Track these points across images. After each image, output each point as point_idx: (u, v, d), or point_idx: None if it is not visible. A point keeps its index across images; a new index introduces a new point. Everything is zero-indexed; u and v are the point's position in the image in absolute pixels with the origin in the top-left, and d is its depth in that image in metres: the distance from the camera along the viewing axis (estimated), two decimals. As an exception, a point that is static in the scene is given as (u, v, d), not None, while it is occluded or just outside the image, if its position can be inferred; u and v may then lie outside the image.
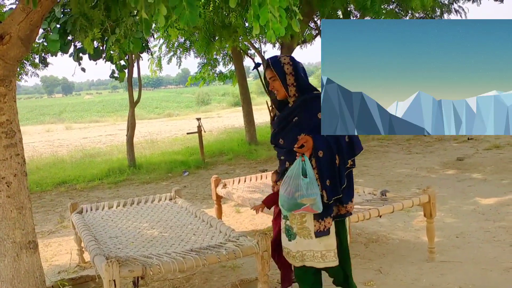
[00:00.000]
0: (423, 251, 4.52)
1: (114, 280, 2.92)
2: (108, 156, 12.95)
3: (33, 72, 11.12)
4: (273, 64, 3.15)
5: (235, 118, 23.91)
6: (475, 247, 4.60)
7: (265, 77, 3.33)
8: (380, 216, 4.32)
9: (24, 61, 10.00)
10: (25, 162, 3.30)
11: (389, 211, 4.12)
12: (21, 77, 10.85)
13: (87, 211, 4.88)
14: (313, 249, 3.09)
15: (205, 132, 10.97)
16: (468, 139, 11.05)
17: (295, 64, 3.17)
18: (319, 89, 2.84)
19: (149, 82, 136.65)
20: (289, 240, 3.15)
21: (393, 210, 4.11)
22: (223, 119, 25.84)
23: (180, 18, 2.28)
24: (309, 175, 2.92)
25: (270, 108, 12.25)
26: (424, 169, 8.47)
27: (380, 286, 3.91)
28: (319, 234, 3.05)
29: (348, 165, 3.14)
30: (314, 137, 3.00)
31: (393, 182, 7.62)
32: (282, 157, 3.26)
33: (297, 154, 2.99)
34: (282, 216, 3.24)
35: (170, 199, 5.21)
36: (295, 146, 3.00)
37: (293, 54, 12.32)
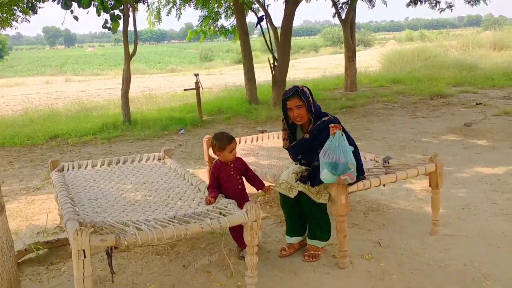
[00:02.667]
0: (426, 223, 4.22)
1: (84, 250, 2.62)
2: (104, 111, 12.60)
3: (23, 18, 10.61)
4: (302, 92, 3.58)
5: (237, 76, 23.31)
6: (482, 220, 4.31)
7: (284, 104, 3.68)
8: (384, 185, 4.04)
9: (14, 7, 9.52)
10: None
11: (392, 181, 3.79)
12: (10, 21, 10.35)
13: (68, 169, 4.56)
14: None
15: (202, 89, 10.56)
16: (477, 104, 10.64)
17: (312, 94, 3.65)
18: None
19: (152, 36, 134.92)
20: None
21: (396, 180, 3.78)
22: (225, 76, 25.28)
23: None
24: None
25: (272, 66, 11.78)
26: (430, 134, 8.11)
27: (379, 260, 3.63)
28: None
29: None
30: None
31: (396, 147, 7.28)
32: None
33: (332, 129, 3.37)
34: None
35: (159, 159, 4.89)
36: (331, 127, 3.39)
37: (298, 9, 11.76)
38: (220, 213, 3.18)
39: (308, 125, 3.65)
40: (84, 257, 2.63)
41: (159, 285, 3.31)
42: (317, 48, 63.32)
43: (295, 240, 3.84)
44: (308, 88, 3.67)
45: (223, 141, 3.67)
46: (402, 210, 4.69)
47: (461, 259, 3.56)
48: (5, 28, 10.91)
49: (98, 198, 3.73)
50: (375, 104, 11.37)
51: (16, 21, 10.59)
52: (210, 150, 5.17)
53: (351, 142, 3.52)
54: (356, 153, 3.48)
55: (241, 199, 3.50)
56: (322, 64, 27.50)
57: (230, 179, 3.70)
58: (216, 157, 3.83)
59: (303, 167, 3.80)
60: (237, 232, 3.57)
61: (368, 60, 23.70)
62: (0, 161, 7.71)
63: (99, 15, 9.62)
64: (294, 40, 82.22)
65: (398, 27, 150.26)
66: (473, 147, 7.02)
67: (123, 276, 3.45)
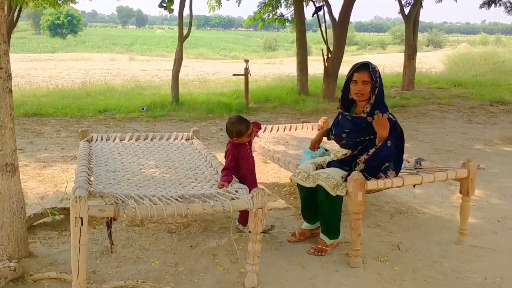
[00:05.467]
0: (454, 232, 3.96)
1: (82, 218, 2.64)
2: (156, 90, 12.84)
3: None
4: (373, 69, 3.41)
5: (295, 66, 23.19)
6: (516, 236, 4.00)
7: (351, 74, 3.48)
8: (414, 186, 3.85)
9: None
10: (10, 77, 3.02)
11: (416, 182, 3.58)
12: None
13: (96, 140, 4.65)
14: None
15: (251, 75, 10.49)
16: (540, 114, 9.97)
17: (381, 77, 3.45)
18: None
19: (220, 23, 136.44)
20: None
21: (421, 182, 3.57)
22: (284, 67, 25.14)
23: None
24: None
25: (326, 58, 11.54)
26: (482, 141, 7.67)
27: (394, 263, 3.45)
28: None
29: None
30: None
31: (442, 151, 6.93)
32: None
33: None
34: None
35: (187, 139, 4.89)
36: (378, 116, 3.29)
37: (357, 2, 11.43)
38: (230, 197, 3.13)
39: (364, 107, 3.46)
40: (82, 225, 2.65)
41: (162, 262, 3.30)
42: (384, 45, 61.82)
43: (306, 226, 3.79)
44: (378, 69, 3.50)
45: (240, 128, 3.64)
46: (432, 215, 4.44)
47: (482, 273, 3.32)
48: (68, 3, 11.31)
49: (116, 171, 3.77)
50: (429, 106, 10.89)
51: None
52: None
53: (399, 134, 3.45)
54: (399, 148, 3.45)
55: (253, 177, 3.77)
56: (386, 61, 26.74)
57: (248, 157, 3.75)
58: None
59: (322, 160, 3.68)
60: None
61: (435, 61, 22.83)
62: (49, 129, 8.01)
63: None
64: (362, 36, 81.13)
65: (473, 30, 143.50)
66: (526, 160, 6.57)
67: (129, 250, 3.47)
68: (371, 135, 3.42)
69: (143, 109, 9.60)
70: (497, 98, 11.63)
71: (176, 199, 2.99)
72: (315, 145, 3.88)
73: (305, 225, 3.81)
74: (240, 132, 3.63)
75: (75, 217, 2.63)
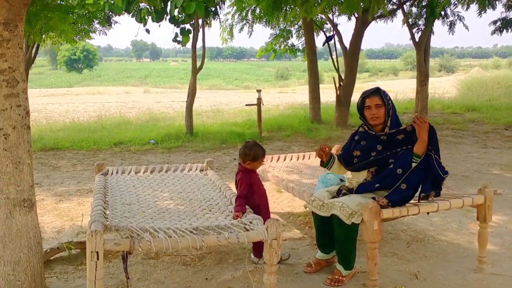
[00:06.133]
0: (473, 259, 3.89)
1: (97, 252, 2.65)
2: (170, 122, 12.98)
3: (100, 31, 11.25)
4: (383, 93, 3.56)
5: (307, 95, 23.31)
6: (537, 263, 3.92)
7: (363, 101, 3.60)
8: (428, 213, 3.80)
9: (93, 19, 10.10)
10: (28, 114, 3.09)
11: (433, 210, 3.54)
12: (91, 35, 11.03)
13: (112, 173, 4.70)
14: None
15: (263, 105, 10.57)
16: (557, 137, 9.84)
17: (391, 100, 3.63)
18: None
19: (232, 54, 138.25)
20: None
21: (437, 209, 3.53)
22: (296, 95, 25.30)
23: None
24: None
25: (338, 86, 11.60)
26: (498, 166, 7.58)
27: (412, 293, 3.39)
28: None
29: None
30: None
31: (458, 177, 6.86)
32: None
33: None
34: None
35: (201, 170, 4.92)
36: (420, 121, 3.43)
37: (368, 30, 11.55)
38: (244, 228, 3.13)
39: (383, 129, 3.57)
40: (97, 259, 2.67)
41: (178, 296, 3.29)
42: (396, 72, 62.01)
43: (320, 256, 3.75)
44: (387, 93, 3.63)
45: (258, 153, 3.71)
46: (450, 243, 4.38)
47: (503, 302, 3.25)
48: (84, 39, 11.62)
49: (131, 203, 3.80)
50: (443, 131, 10.83)
51: (94, 32, 11.25)
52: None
53: (435, 145, 3.54)
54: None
55: (266, 204, 3.78)
56: (399, 87, 26.76)
57: (259, 183, 3.80)
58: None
59: (336, 188, 3.67)
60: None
61: (447, 86, 22.79)
62: (65, 163, 8.12)
63: (177, 26, 10.01)
64: (374, 63, 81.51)
65: (485, 54, 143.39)
66: (544, 184, 6.47)
67: (145, 283, 3.47)
68: (408, 145, 3.49)
69: (151, 141, 9.68)
70: (512, 122, 11.54)
71: (191, 232, 3.00)
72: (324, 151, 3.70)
73: (320, 255, 3.77)
74: (257, 156, 3.69)
75: (91, 251, 2.65)
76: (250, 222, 3.21)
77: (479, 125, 11.72)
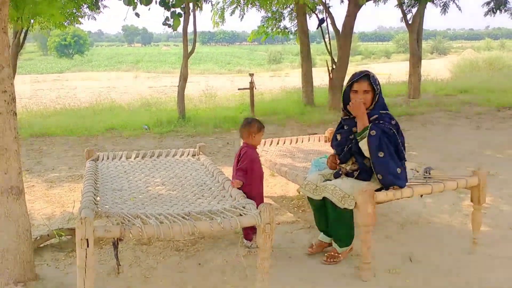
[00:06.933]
0: (467, 241, 3.88)
1: (87, 239, 2.61)
2: (163, 106, 12.88)
3: (89, 15, 11.07)
4: (372, 77, 3.44)
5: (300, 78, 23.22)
6: (531, 244, 3.92)
7: (351, 85, 3.49)
8: (422, 196, 3.78)
9: (82, 3, 9.94)
10: (14, 100, 3.01)
11: (427, 192, 3.52)
12: (80, 19, 10.87)
13: (102, 159, 4.63)
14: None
15: (256, 89, 10.49)
16: (550, 118, 9.86)
17: (380, 85, 3.51)
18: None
19: (224, 38, 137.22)
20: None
21: (431, 191, 3.51)
22: (289, 79, 25.21)
23: None
24: None
25: (330, 69, 11.53)
26: (491, 147, 7.57)
27: (406, 275, 3.39)
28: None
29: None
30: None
31: (451, 159, 6.85)
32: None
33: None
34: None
35: (193, 155, 4.86)
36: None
37: (360, 12, 11.44)
38: (238, 213, 3.09)
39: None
40: (88, 246, 2.62)
41: (170, 282, 3.26)
42: (388, 54, 61.90)
43: (322, 237, 3.74)
44: (377, 77, 3.55)
45: (260, 124, 3.89)
46: (444, 225, 4.37)
47: (497, 283, 3.25)
48: (74, 24, 11.43)
49: (122, 189, 3.74)
50: (436, 113, 10.83)
51: (83, 17, 11.07)
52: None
53: (396, 145, 3.39)
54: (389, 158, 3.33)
55: (262, 183, 3.88)
56: (391, 70, 26.73)
57: (259, 160, 3.93)
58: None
59: (330, 172, 3.64)
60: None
61: (440, 68, 22.76)
62: (57, 149, 8.03)
63: (168, 9, 9.84)
64: (366, 46, 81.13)
65: (477, 35, 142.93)
66: (538, 165, 6.47)
67: (137, 269, 3.43)
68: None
69: (145, 127, 9.60)
70: (504, 103, 11.55)
71: (183, 217, 2.96)
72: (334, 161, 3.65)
73: (322, 236, 3.76)
74: (260, 126, 3.86)
75: (81, 239, 2.60)
76: (243, 207, 3.17)
77: (472, 106, 11.73)
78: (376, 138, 3.29)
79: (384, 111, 3.48)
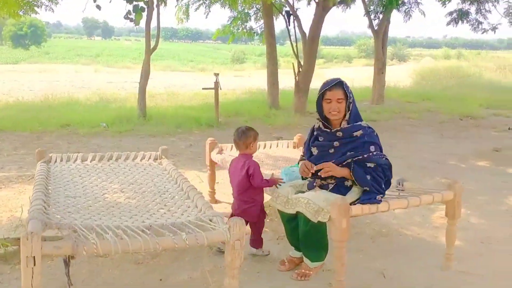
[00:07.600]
0: (438, 255, 3.76)
1: (34, 257, 2.29)
2: (122, 103, 12.43)
3: (47, 6, 10.53)
4: (345, 85, 3.28)
5: (264, 80, 23.05)
6: (503, 258, 3.83)
7: (323, 93, 3.30)
8: (394, 209, 3.62)
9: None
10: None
11: (402, 206, 3.37)
12: (36, 9, 10.32)
13: (55, 161, 4.28)
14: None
15: (221, 89, 10.22)
16: (509, 128, 10.04)
17: (352, 94, 3.36)
18: None
19: (188, 35, 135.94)
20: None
21: (407, 206, 3.36)
22: (252, 79, 24.95)
23: None
24: None
25: (297, 72, 11.39)
26: (455, 156, 7.60)
27: (380, 293, 3.22)
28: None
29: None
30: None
31: (416, 167, 6.80)
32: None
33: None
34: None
35: (155, 159, 4.57)
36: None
37: (328, 16, 11.36)
38: (204, 227, 2.83)
39: (340, 124, 3.33)
40: (34, 265, 2.31)
41: (128, 300, 2.98)
42: (350, 59, 62.63)
43: (294, 254, 3.55)
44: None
45: (253, 130, 3.66)
46: (414, 238, 4.25)
47: (472, 302, 3.13)
48: (29, 13, 10.84)
49: (77, 196, 3.42)
50: (400, 120, 10.87)
51: (39, 7, 10.50)
52: (212, 153, 4.85)
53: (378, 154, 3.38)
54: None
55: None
56: (353, 75, 26.96)
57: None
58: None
59: (301, 182, 3.45)
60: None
61: (401, 75, 23.08)
62: (7, 145, 7.55)
63: (130, 3, 9.43)
64: (329, 49, 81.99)
65: (435, 44, 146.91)
66: (501, 175, 6.50)
67: (91, 285, 3.14)
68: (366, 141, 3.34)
69: (103, 124, 9.18)
70: (466, 113, 11.73)
71: (143, 231, 2.68)
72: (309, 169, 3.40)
73: (294, 253, 3.56)
74: (256, 134, 3.65)
75: (26, 256, 2.29)
76: (210, 220, 2.92)
77: (434, 114, 11.85)
78: (365, 179, 3.26)
79: (365, 123, 3.35)
